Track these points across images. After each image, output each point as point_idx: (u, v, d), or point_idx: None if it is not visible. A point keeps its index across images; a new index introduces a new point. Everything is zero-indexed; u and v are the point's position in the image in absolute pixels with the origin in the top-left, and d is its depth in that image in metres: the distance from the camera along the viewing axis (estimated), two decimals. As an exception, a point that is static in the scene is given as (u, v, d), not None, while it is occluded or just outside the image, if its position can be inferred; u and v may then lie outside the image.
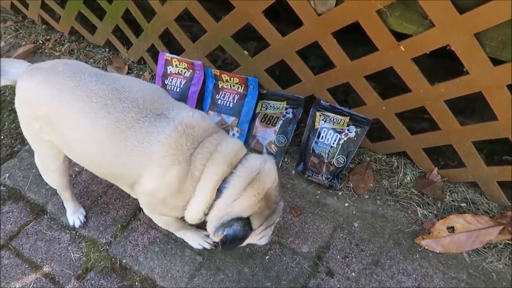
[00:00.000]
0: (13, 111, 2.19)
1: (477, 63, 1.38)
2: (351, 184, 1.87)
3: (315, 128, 1.88)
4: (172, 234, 1.68)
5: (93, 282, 1.60)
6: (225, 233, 1.23)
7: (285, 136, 1.96)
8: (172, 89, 2.11)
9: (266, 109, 2.01)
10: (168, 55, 2.12)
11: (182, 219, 1.35)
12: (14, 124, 2.17)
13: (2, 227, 1.77)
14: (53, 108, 1.27)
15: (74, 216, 1.76)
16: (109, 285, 1.59)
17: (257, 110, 2.02)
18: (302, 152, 1.93)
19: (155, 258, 1.66)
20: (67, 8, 2.47)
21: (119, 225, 1.76)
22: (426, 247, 1.65)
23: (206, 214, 1.28)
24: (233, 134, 2.02)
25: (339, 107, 1.84)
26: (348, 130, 1.84)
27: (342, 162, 1.84)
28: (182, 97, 2.08)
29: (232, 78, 1.99)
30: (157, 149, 1.19)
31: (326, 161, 1.84)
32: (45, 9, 2.64)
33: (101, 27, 2.42)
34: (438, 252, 1.63)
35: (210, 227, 1.29)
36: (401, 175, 1.87)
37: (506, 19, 1.24)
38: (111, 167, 1.29)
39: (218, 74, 2.01)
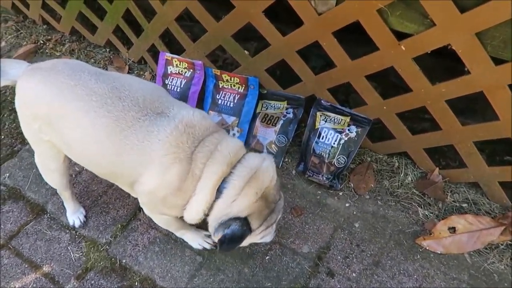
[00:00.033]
0: (13, 111, 2.19)
1: (478, 63, 1.38)
2: (351, 184, 1.87)
3: (316, 128, 1.88)
4: (172, 234, 1.67)
5: (92, 282, 1.60)
6: (223, 233, 1.23)
7: (285, 136, 1.95)
8: (172, 89, 2.11)
9: (267, 109, 2.01)
10: (168, 55, 2.12)
11: (182, 218, 1.35)
12: (14, 124, 2.17)
13: (2, 226, 1.77)
14: (53, 108, 1.27)
15: (74, 215, 1.76)
16: (108, 285, 1.59)
17: (258, 110, 2.02)
18: (303, 152, 1.92)
19: (155, 258, 1.65)
20: (67, 8, 2.48)
21: (119, 225, 1.76)
22: (427, 248, 1.64)
23: (206, 215, 1.28)
24: (234, 134, 2.02)
25: (339, 107, 1.84)
26: (348, 130, 1.83)
27: (343, 162, 1.83)
28: (182, 97, 2.08)
29: (232, 78, 1.98)
30: (157, 147, 1.19)
31: (326, 161, 1.84)
32: (46, 9, 2.65)
33: (102, 27, 2.42)
34: (439, 252, 1.63)
35: (211, 228, 1.30)
36: (402, 175, 1.87)
37: (507, 19, 1.23)
38: (111, 166, 1.29)
39: (218, 74, 2.01)
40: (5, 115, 2.24)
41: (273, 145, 1.96)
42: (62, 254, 1.68)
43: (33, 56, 2.61)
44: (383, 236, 1.69)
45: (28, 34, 2.75)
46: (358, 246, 1.67)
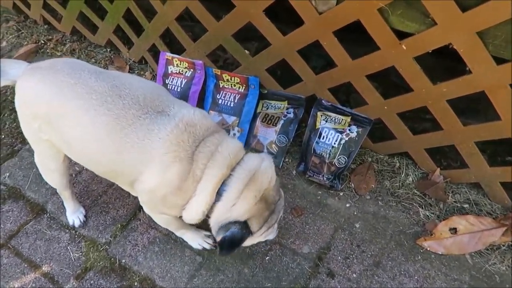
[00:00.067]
0: (14, 111, 2.18)
1: (479, 62, 1.37)
2: (352, 185, 1.86)
3: (316, 128, 1.87)
4: (172, 234, 1.67)
5: (92, 282, 1.60)
6: (222, 236, 1.24)
7: (286, 136, 1.94)
8: (173, 88, 2.11)
9: (267, 109, 2.00)
10: (169, 55, 2.12)
11: (182, 218, 1.35)
12: (15, 124, 2.17)
13: (1, 226, 1.77)
14: (53, 107, 1.27)
15: (73, 215, 1.75)
16: (108, 285, 1.58)
17: (258, 110, 2.02)
18: (303, 152, 1.92)
19: (155, 258, 1.65)
20: (68, 8, 2.48)
21: (119, 225, 1.75)
22: (428, 249, 1.63)
23: (207, 216, 1.28)
24: (234, 134, 2.01)
25: (340, 107, 1.83)
26: (349, 130, 1.82)
27: (343, 163, 1.82)
28: (183, 96, 2.08)
29: (233, 78, 1.98)
30: (158, 146, 1.19)
31: (327, 161, 1.83)
32: (47, 9, 2.65)
33: (103, 27, 2.42)
34: (440, 253, 1.62)
35: (213, 230, 1.31)
36: (403, 175, 1.86)
37: (508, 18, 1.22)
38: (111, 165, 1.28)
39: (219, 73, 2.01)
40: (6, 115, 2.25)
41: (273, 145, 1.96)
42: (62, 253, 1.68)
43: (34, 56, 2.61)
44: (383, 237, 1.68)
45: (29, 34, 2.76)
46: (359, 246, 1.66)
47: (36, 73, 1.32)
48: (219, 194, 1.23)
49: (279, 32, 1.73)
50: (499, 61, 1.35)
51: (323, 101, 1.85)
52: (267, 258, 1.64)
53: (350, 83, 1.73)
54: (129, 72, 2.42)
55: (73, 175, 1.92)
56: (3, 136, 2.14)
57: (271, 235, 1.39)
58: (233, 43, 1.91)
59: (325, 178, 1.83)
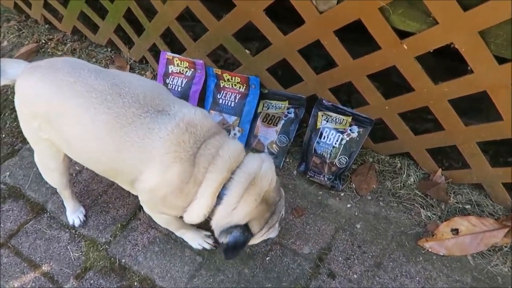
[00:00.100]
0: (14, 110, 2.16)
1: (481, 62, 1.36)
2: (353, 185, 1.85)
3: (317, 128, 1.86)
4: (172, 234, 1.67)
5: (92, 281, 1.59)
6: (226, 242, 1.27)
7: (286, 136, 1.94)
8: (173, 88, 2.11)
9: (268, 108, 2.00)
10: (169, 54, 2.11)
11: (182, 218, 1.34)
12: (15, 123, 2.17)
13: (1, 225, 1.77)
14: (53, 105, 1.26)
15: (74, 215, 1.75)
16: (108, 284, 1.58)
17: (259, 110, 2.01)
18: (304, 152, 1.91)
19: (155, 258, 1.64)
20: (69, 7, 2.48)
21: (119, 225, 1.75)
22: (430, 250, 1.62)
23: (208, 218, 1.29)
24: (235, 134, 2.01)
25: (341, 107, 1.82)
26: (350, 130, 1.81)
27: (344, 163, 1.81)
28: (183, 96, 2.07)
29: (233, 78, 1.98)
30: (158, 145, 1.19)
31: (328, 161, 1.82)
32: (48, 8, 2.65)
33: (103, 27, 2.42)
34: (441, 254, 1.61)
35: (215, 233, 1.32)
36: (404, 176, 1.85)
37: (510, 17, 1.21)
38: (111, 163, 1.28)
39: (219, 73, 2.00)
40: (6, 114, 2.25)
41: (274, 145, 1.95)
42: (62, 253, 1.68)
43: (35, 55, 2.62)
44: (385, 238, 1.67)
45: (30, 33, 2.76)
46: (360, 247, 1.65)
47: (36, 72, 1.32)
48: (219, 197, 1.23)
49: (280, 31, 1.72)
50: (501, 60, 1.34)
51: (324, 101, 1.84)
52: (267, 259, 1.63)
53: (352, 83, 1.72)
54: (129, 71, 2.42)
55: (73, 175, 1.92)
56: (3, 135, 2.14)
57: (272, 233, 1.40)
58: (234, 43, 1.90)
59: (326, 179, 1.82)
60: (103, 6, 2.28)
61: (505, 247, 1.60)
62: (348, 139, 1.81)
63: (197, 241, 1.64)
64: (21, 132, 1.47)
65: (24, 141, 2.04)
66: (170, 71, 2.13)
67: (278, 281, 1.57)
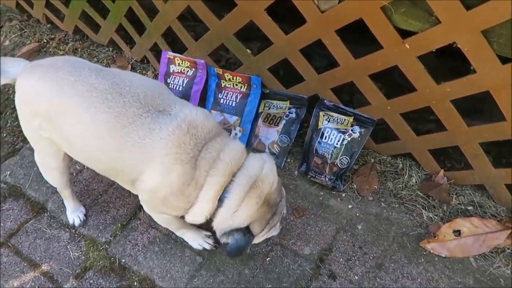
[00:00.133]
0: (15, 109, 2.16)
1: (484, 61, 1.35)
2: (355, 186, 1.84)
3: (319, 128, 1.85)
4: (172, 233, 1.66)
5: (91, 281, 1.59)
6: (228, 249, 1.29)
7: (288, 136, 1.93)
8: (174, 88, 2.10)
9: (269, 108, 1.99)
10: (170, 54, 2.11)
11: (182, 218, 1.34)
12: (16, 122, 2.17)
13: (2, 224, 1.77)
14: (53, 104, 1.26)
15: (74, 214, 1.75)
16: (107, 284, 1.57)
17: (260, 110, 2.00)
18: (305, 153, 1.90)
19: (155, 258, 1.64)
20: (71, 7, 2.48)
21: (119, 224, 1.74)
22: (432, 251, 1.61)
23: (210, 220, 1.29)
24: (236, 134, 2.00)
25: (342, 107, 1.81)
26: (352, 130, 1.80)
27: (346, 163, 1.80)
28: (184, 96, 2.07)
29: (234, 77, 1.97)
30: (159, 146, 1.18)
31: (329, 161, 1.81)
32: (49, 8, 2.66)
33: (105, 26, 2.42)
34: (443, 256, 1.59)
35: (217, 234, 1.33)
36: (406, 177, 1.84)
37: (513, 16, 1.20)
38: (112, 162, 1.28)
39: (220, 73, 2.00)
40: (8, 113, 2.25)
41: (275, 145, 1.94)
42: (61, 253, 1.67)
43: (36, 55, 2.62)
44: (386, 239, 1.66)
45: (32, 33, 2.77)
46: (361, 248, 1.64)
47: (37, 70, 1.32)
48: (220, 200, 1.24)
49: (281, 31, 1.71)
50: (504, 60, 1.33)
51: (325, 101, 1.83)
52: (268, 259, 1.62)
53: (354, 84, 1.71)
54: (131, 71, 2.42)
55: (74, 174, 1.92)
56: (4, 135, 2.14)
57: (273, 232, 1.40)
58: (235, 42, 1.90)
59: (327, 179, 1.81)
60: (104, 6, 2.29)
61: (508, 249, 1.59)
62: (349, 139, 1.80)
63: (197, 241, 1.63)
64: (22, 131, 1.47)
65: (25, 140, 2.03)
66: (171, 71, 2.13)
67: (278, 282, 1.56)
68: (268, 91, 1.98)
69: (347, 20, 1.50)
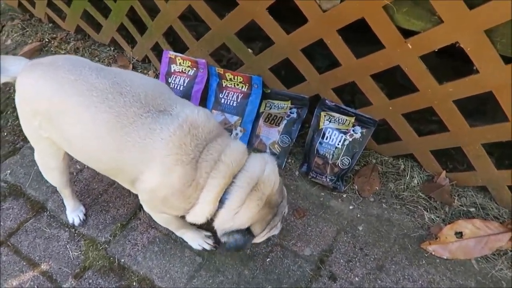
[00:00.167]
0: (16, 108, 2.19)
1: (487, 61, 1.34)
2: (356, 186, 1.83)
3: (320, 128, 1.84)
4: (172, 234, 1.65)
5: (90, 281, 1.58)
6: (226, 245, 1.29)
7: (289, 136, 1.92)
8: (175, 87, 2.10)
9: (270, 108, 1.98)
10: (172, 53, 2.11)
11: (182, 218, 1.33)
12: (17, 121, 2.17)
13: (1, 223, 1.76)
14: (53, 103, 1.26)
15: (73, 214, 1.74)
16: (106, 284, 1.57)
17: (261, 110, 1.99)
18: (306, 153, 1.89)
19: (154, 258, 1.63)
20: (72, 6, 2.48)
21: (119, 224, 1.74)
22: (433, 253, 1.59)
23: (211, 220, 1.29)
24: (236, 134, 1.99)
25: (344, 107, 1.80)
26: (353, 130, 1.79)
27: (347, 164, 1.79)
28: (185, 95, 2.06)
29: (236, 77, 1.96)
30: (160, 146, 1.18)
31: (330, 162, 1.80)
32: (51, 7, 2.66)
33: (106, 26, 2.42)
34: (445, 258, 1.58)
35: (217, 233, 1.33)
36: (408, 178, 1.82)
37: (517, 16, 1.19)
38: (112, 162, 1.27)
39: (222, 72, 1.99)
40: (8, 112, 2.25)
41: (276, 145, 1.93)
42: (61, 252, 1.67)
43: (38, 54, 2.62)
44: (387, 240, 1.65)
45: (33, 32, 2.77)
46: (362, 249, 1.63)
47: (37, 69, 1.31)
48: (221, 202, 1.23)
49: (283, 30, 1.71)
50: (508, 60, 1.32)
51: (326, 101, 1.82)
52: (268, 260, 1.61)
53: (355, 84, 1.70)
54: (132, 70, 2.41)
55: (74, 174, 1.91)
56: (5, 134, 2.14)
57: (274, 232, 1.40)
58: (236, 42, 1.89)
59: (328, 179, 1.80)
60: (106, 5, 2.28)
61: (510, 251, 1.57)
62: (351, 139, 1.79)
63: (197, 241, 1.63)
64: (22, 130, 1.47)
65: (26, 139, 2.02)
66: (172, 70, 2.12)
67: (278, 283, 1.55)
68: (269, 91, 1.97)
69: (349, 20, 1.50)
